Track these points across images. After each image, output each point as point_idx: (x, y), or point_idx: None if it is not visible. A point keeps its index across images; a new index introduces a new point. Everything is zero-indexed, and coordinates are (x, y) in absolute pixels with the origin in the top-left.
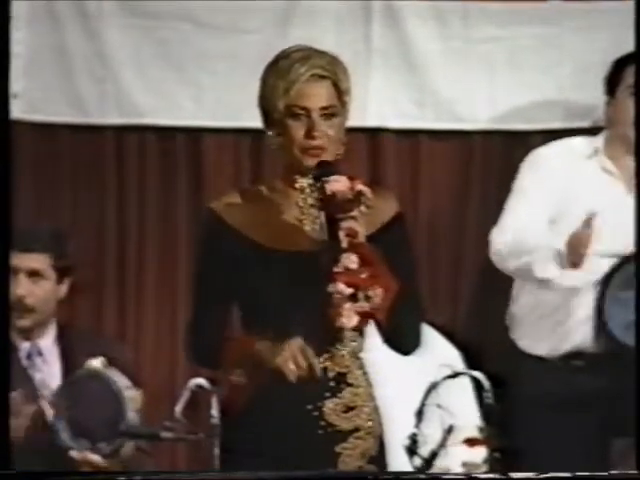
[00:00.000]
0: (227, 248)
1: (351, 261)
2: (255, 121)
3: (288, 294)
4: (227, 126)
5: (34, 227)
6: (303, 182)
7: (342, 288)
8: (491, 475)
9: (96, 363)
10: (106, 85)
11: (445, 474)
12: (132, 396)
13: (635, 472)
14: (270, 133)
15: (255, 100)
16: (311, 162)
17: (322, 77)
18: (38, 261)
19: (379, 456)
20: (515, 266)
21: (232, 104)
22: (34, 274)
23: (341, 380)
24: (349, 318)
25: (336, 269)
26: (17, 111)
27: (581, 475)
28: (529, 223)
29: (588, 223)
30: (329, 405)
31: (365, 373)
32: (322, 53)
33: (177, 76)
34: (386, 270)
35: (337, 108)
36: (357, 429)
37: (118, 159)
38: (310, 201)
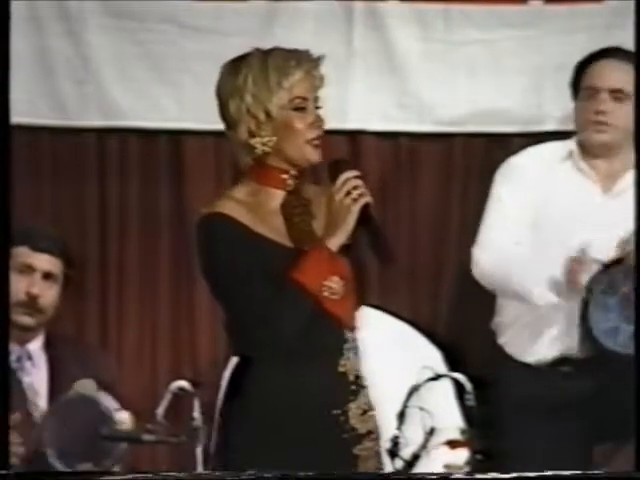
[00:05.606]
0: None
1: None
2: None
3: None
4: (209, 128)
5: (47, 229)
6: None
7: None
8: (490, 475)
9: (86, 385)
10: (88, 87)
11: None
12: (122, 419)
13: (634, 471)
14: (257, 139)
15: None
16: (316, 156)
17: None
18: (53, 264)
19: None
20: (507, 289)
21: (214, 106)
22: (49, 276)
23: (358, 383)
24: None
25: None
26: None
27: (578, 474)
28: (511, 240)
29: (583, 254)
30: (352, 409)
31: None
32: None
33: (159, 78)
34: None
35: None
36: (371, 432)
37: (100, 161)
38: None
